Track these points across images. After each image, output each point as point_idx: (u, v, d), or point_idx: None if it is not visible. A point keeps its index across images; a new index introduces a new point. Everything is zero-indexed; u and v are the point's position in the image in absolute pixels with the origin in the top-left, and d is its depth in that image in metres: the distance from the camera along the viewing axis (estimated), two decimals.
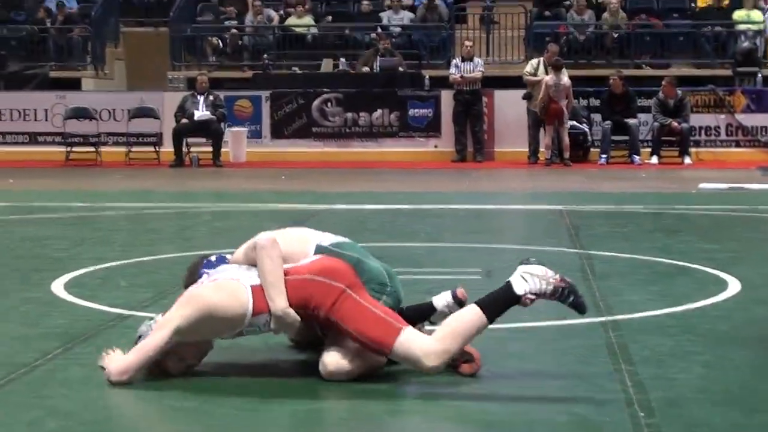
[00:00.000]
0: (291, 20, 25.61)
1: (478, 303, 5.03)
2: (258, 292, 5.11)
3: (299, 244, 5.49)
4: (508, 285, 5.00)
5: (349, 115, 22.81)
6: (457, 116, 22.24)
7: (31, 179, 18.51)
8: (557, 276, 5.02)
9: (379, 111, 22.77)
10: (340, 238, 5.64)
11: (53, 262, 9.00)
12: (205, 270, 5.49)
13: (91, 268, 8.63)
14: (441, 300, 5.56)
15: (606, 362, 5.54)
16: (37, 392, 5.04)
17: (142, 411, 4.74)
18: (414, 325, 5.25)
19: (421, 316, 5.53)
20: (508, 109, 22.49)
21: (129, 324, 5.43)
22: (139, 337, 5.20)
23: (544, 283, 4.98)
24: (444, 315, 5.34)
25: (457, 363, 5.20)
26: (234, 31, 25.58)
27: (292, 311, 5.08)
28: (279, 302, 5.07)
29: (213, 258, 5.73)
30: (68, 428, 4.53)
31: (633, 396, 4.90)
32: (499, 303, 5.02)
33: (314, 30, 25.59)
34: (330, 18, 26.26)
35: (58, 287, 7.78)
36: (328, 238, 5.60)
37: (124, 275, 8.33)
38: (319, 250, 5.45)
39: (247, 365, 5.47)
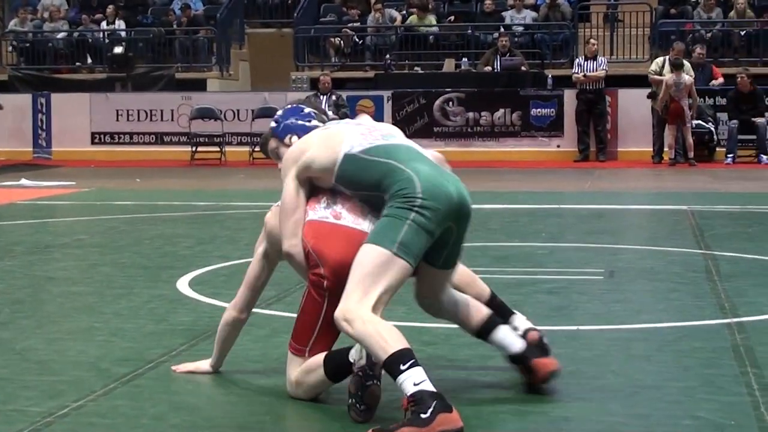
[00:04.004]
0: (413, 20, 25.67)
1: (325, 358, 4.72)
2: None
3: (328, 154, 4.90)
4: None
5: (471, 114, 22.76)
6: (580, 115, 22.08)
7: (158, 178, 18.82)
8: None
9: (501, 110, 22.69)
10: (376, 141, 4.95)
11: (180, 260, 9.16)
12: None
13: (216, 266, 8.76)
14: (521, 322, 5.20)
15: (731, 365, 5.46)
16: (163, 387, 5.13)
17: (267, 409, 4.78)
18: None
19: (501, 314, 5.15)
20: (633, 108, 22.23)
21: (251, 321, 5.46)
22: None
23: None
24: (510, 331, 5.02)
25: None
26: (347, 31, 25.70)
27: (296, 251, 4.86)
28: (284, 242, 4.90)
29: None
30: (192, 423, 4.59)
31: (759, 399, 4.82)
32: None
33: (436, 30, 25.60)
34: (452, 18, 26.25)
35: (183, 285, 7.92)
36: (361, 142, 4.91)
37: None
38: (348, 158, 4.86)
39: None
